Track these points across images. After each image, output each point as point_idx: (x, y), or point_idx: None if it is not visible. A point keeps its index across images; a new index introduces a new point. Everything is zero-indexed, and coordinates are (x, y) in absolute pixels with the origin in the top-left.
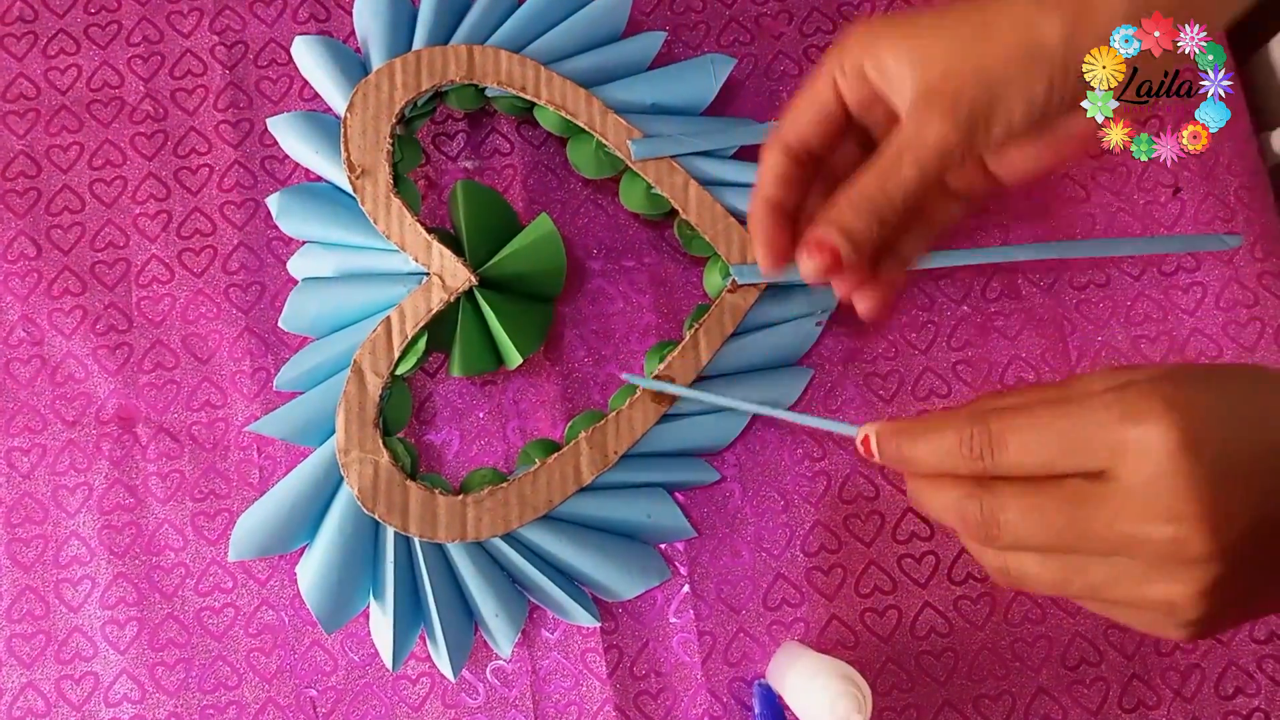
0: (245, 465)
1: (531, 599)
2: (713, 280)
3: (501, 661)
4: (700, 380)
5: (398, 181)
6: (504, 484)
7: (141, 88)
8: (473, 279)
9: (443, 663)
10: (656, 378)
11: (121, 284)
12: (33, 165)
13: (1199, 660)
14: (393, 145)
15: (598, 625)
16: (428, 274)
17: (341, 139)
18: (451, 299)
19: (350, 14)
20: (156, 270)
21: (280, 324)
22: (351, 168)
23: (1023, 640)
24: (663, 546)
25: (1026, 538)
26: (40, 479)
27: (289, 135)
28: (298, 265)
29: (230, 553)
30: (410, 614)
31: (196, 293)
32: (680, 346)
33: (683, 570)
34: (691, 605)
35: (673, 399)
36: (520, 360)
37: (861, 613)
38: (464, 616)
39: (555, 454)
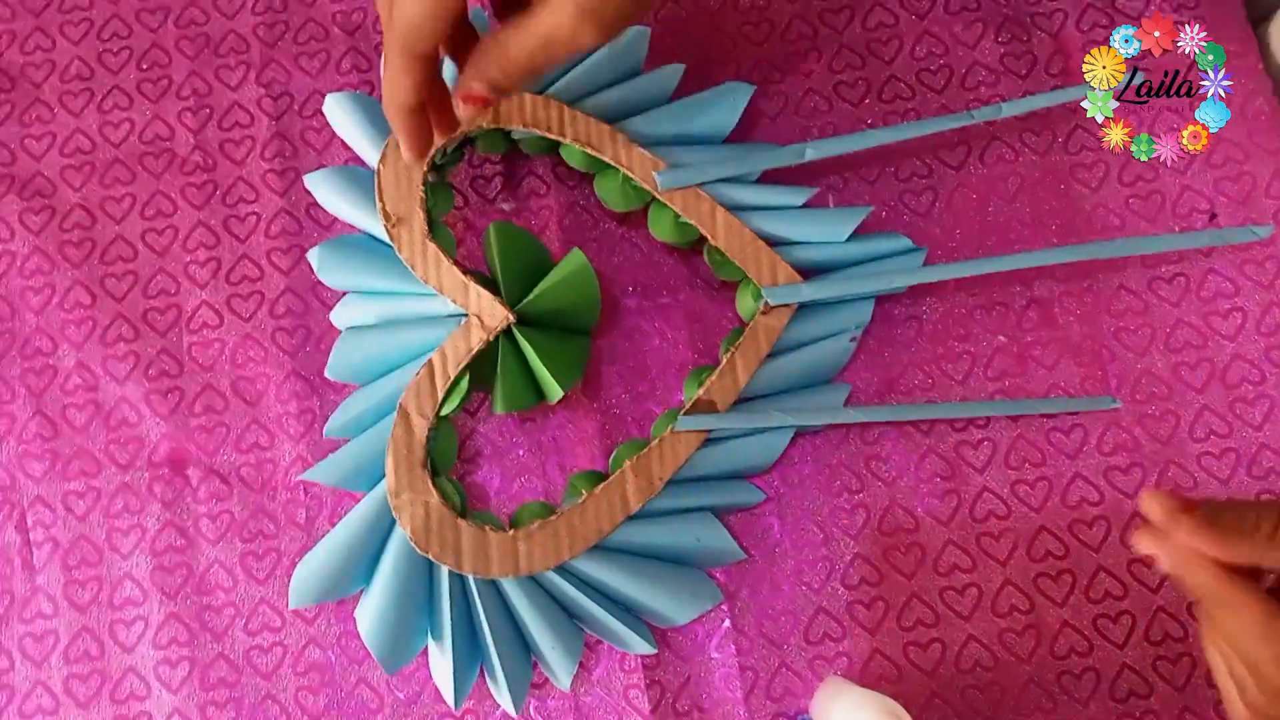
0: (292, 506)
1: (587, 630)
2: (745, 303)
3: (543, 700)
4: (740, 402)
5: (432, 227)
6: (553, 517)
7: (191, 140)
8: (510, 317)
9: (504, 699)
10: (697, 402)
11: (173, 330)
12: (88, 217)
13: None
14: (425, 193)
15: (654, 652)
16: (466, 315)
17: (375, 189)
18: (490, 338)
19: None
20: (206, 316)
21: (326, 373)
22: (387, 217)
23: (1069, 673)
24: None
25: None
26: (95, 521)
27: (325, 190)
28: (340, 316)
29: (290, 600)
30: (469, 651)
31: (245, 337)
32: (718, 371)
33: (723, 605)
34: (733, 640)
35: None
36: (561, 394)
37: (904, 646)
38: (522, 651)
39: (602, 484)
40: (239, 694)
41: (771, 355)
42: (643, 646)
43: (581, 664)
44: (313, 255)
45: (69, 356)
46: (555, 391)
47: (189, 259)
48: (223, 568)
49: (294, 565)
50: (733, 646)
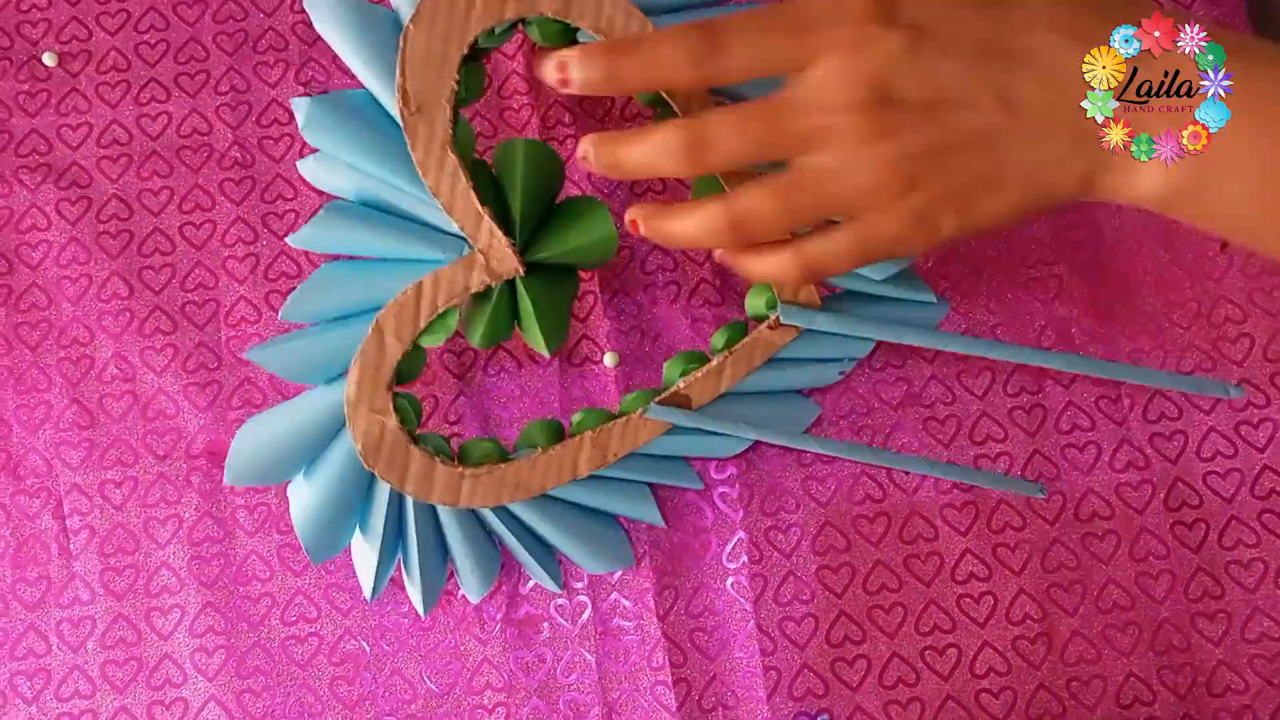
0: None
1: (506, 553)
2: (755, 303)
3: (573, 695)
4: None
5: (455, 123)
6: (502, 464)
7: (230, 135)
8: (520, 270)
9: (415, 597)
10: (674, 394)
11: (211, 323)
12: (125, 208)
13: (1250, 701)
14: (458, 81)
15: (560, 592)
16: (468, 244)
17: (399, 59)
18: (493, 284)
19: None
20: (245, 310)
21: (291, 240)
22: (406, 99)
23: (1078, 679)
24: (729, 584)
25: (735, 148)
26: (132, 511)
27: (331, 26)
28: (312, 169)
29: (226, 477)
30: (391, 550)
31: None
32: (705, 370)
33: (749, 606)
34: (757, 640)
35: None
36: (549, 354)
37: (922, 650)
38: (440, 559)
39: (557, 445)
40: (274, 682)
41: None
42: (550, 584)
43: (610, 660)
44: (299, 106)
45: (106, 347)
46: (542, 348)
47: (227, 254)
48: (260, 558)
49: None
50: (756, 647)
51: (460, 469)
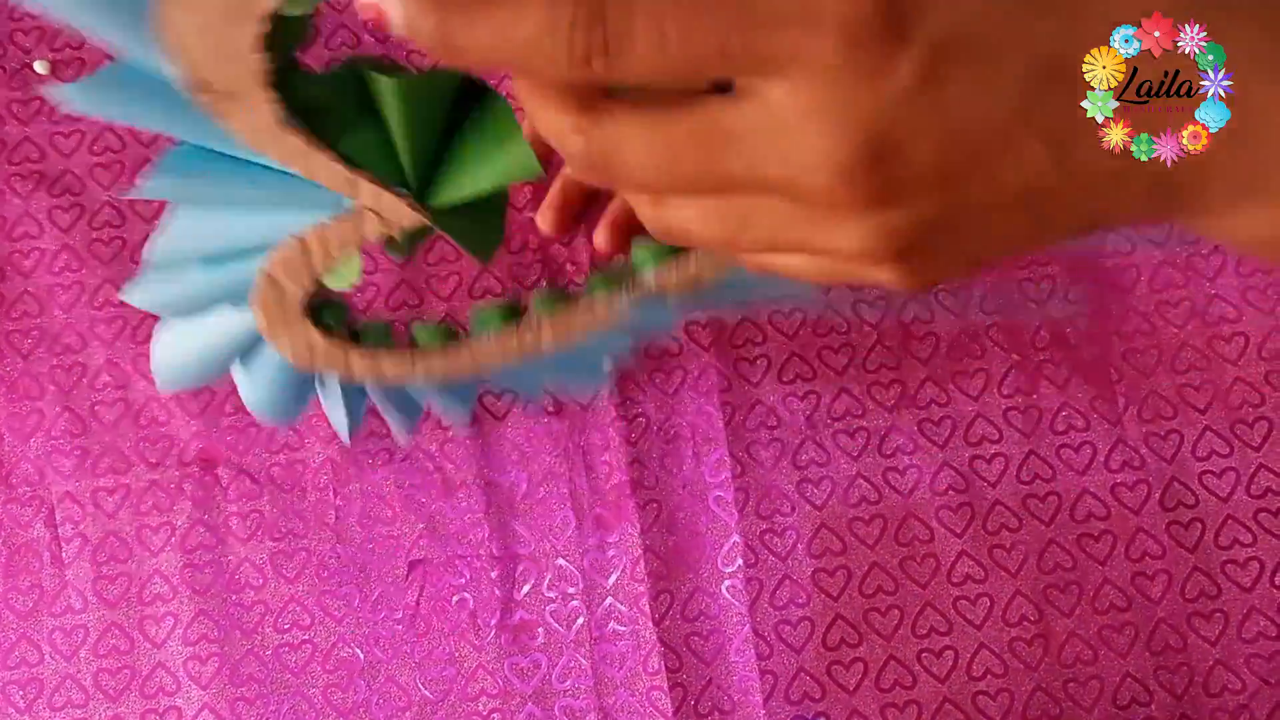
0: (322, 506)
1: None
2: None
3: (569, 700)
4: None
5: (286, 87)
6: (458, 342)
7: None
8: (424, 220)
9: (394, 429)
10: (650, 290)
11: None
12: (118, 216)
13: (1247, 701)
14: (269, 55)
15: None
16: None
17: (164, 51)
18: (394, 233)
19: None
20: None
21: (144, 257)
22: (202, 88)
23: (1075, 680)
24: (725, 587)
25: (650, 180)
26: (125, 518)
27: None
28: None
29: (158, 385)
30: (358, 401)
31: None
32: (675, 263)
33: (744, 610)
34: (753, 645)
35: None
36: (484, 264)
37: (918, 653)
38: (411, 400)
39: (515, 326)
40: (268, 690)
41: None
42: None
43: (605, 665)
44: (60, 93)
45: (98, 354)
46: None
47: None
48: (253, 566)
49: (323, 565)
50: (752, 650)
51: (411, 355)
